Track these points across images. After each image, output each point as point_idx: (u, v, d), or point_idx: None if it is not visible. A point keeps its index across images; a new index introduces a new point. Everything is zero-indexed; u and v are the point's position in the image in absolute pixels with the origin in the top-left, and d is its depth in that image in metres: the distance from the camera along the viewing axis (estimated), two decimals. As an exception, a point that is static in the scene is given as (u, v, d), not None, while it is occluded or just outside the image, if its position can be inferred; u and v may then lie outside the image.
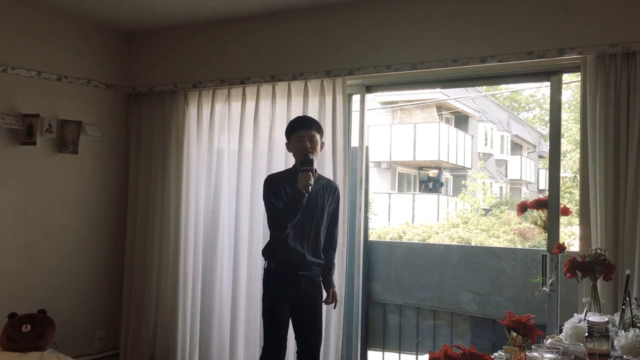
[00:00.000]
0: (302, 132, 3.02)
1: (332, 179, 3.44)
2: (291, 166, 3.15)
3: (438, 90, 12.82)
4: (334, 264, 3.23)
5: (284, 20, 3.69)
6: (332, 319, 3.40)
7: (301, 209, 2.89)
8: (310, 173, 2.86)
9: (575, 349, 1.98)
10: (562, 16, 2.94)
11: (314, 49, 3.58)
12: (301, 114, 3.55)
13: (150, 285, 4.03)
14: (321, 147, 3.10)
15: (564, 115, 11.98)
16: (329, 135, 3.47)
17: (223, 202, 3.79)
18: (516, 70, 3.18)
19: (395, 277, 4.47)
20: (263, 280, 3.09)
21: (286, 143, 3.13)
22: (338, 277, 3.38)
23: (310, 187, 2.86)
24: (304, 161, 2.89)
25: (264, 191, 3.03)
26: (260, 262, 3.46)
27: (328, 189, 3.12)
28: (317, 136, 3.05)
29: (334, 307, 3.25)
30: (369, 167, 3.91)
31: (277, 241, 2.99)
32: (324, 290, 3.15)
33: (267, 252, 3.08)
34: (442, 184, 15.07)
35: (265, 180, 3.07)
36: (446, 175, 15.51)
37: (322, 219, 3.07)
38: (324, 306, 3.16)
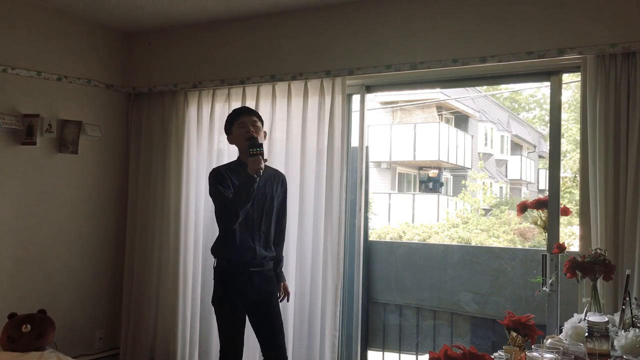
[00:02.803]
0: (244, 119, 2.96)
1: (330, 178, 3.44)
2: (235, 158, 3.07)
3: (438, 90, 12.79)
4: (283, 256, 3.18)
5: (284, 20, 3.69)
6: (327, 319, 3.39)
7: (252, 195, 2.78)
8: (260, 157, 2.76)
9: (575, 349, 1.98)
10: (562, 16, 2.94)
11: (314, 49, 3.58)
12: (301, 114, 3.55)
13: (150, 285, 4.03)
14: (265, 136, 3.03)
15: (564, 115, 11.95)
16: (328, 135, 3.47)
17: (223, 202, 3.78)
18: (516, 70, 3.18)
19: (395, 277, 4.47)
20: (214, 279, 2.99)
21: (228, 138, 3.04)
22: (336, 277, 3.38)
23: (261, 171, 2.76)
24: (253, 145, 2.78)
25: (210, 183, 2.91)
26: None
27: (276, 179, 3.05)
28: (259, 123, 3.00)
29: (287, 301, 3.18)
30: (369, 167, 3.91)
31: (226, 237, 2.90)
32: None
33: (216, 249, 2.99)
34: (442, 184, 15.05)
35: (210, 173, 2.98)
36: (446, 175, 15.49)
37: (272, 210, 3.00)
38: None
